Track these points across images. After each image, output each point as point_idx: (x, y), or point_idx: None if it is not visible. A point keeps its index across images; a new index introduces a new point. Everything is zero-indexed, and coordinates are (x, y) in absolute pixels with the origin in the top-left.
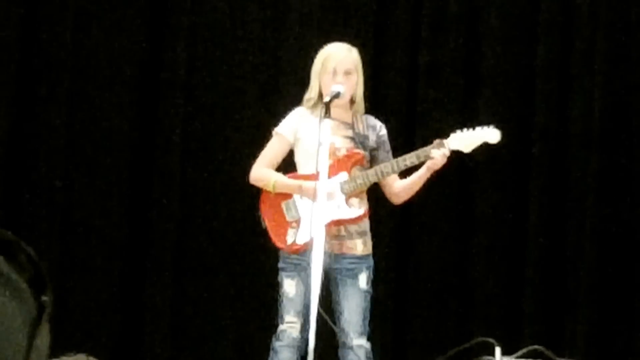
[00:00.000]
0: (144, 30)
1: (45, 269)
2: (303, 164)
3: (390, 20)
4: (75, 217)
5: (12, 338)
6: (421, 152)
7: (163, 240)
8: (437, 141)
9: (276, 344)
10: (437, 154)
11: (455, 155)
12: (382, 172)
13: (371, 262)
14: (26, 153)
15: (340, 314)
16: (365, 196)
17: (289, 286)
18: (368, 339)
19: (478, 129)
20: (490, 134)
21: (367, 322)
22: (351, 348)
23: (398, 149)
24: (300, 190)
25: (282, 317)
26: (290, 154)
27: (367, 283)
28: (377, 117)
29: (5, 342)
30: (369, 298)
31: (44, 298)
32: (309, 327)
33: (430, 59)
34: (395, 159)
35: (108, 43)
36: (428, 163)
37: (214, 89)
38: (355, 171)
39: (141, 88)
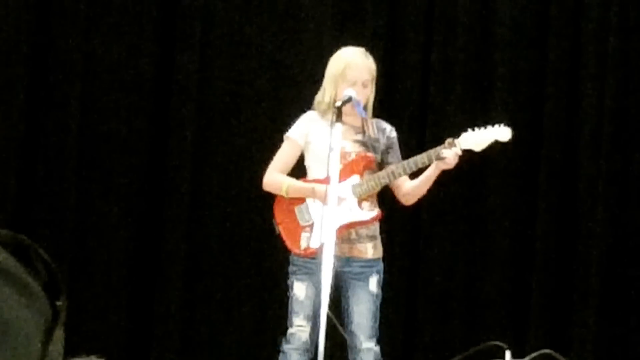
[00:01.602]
0: (155, 36)
1: (60, 274)
2: (313, 168)
3: (402, 22)
4: (85, 221)
5: (27, 344)
6: (432, 152)
7: (173, 244)
8: (448, 140)
9: (285, 347)
10: (449, 154)
11: (467, 155)
12: (393, 174)
13: (381, 265)
14: (38, 157)
15: (350, 317)
16: (376, 199)
17: (299, 289)
18: (377, 343)
19: (489, 127)
20: (501, 132)
21: (376, 326)
22: (361, 351)
23: (409, 151)
24: (313, 194)
25: (291, 320)
26: (300, 158)
27: (377, 287)
28: (389, 118)
29: (20, 349)
30: (378, 302)
31: (59, 303)
32: (318, 331)
33: (441, 60)
34: (407, 160)
35: (120, 48)
36: (438, 163)
37: (225, 93)
38: (367, 174)
39: (153, 92)
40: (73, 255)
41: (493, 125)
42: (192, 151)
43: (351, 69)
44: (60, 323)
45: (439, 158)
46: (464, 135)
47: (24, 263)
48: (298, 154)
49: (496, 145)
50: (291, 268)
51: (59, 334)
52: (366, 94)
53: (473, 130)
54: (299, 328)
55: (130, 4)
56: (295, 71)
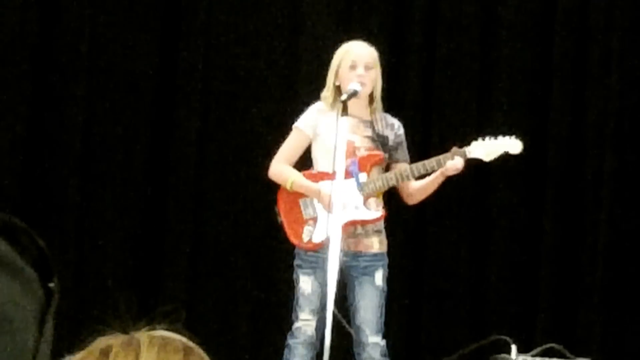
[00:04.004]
0: (159, 33)
1: (51, 255)
2: (320, 161)
3: (407, 18)
4: (89, 217)
5: (23, 331)
6: (442, 158)
7: (178, 239)
8: (456, 149)
9: (291, 342)
10: (454, 164)
11: (475, 163)
12: (402, 177)
13: (386, 260)
14: (43, 153)
15: (356, 311)
16: (382, 197)
17: (305, 283)
18: (383, 337)
19: (500, 138)
20: (512, 145)
21: (382, 320)
22: (367, 346)
23: (415, 149)
24: (318, 196)
25: (297, 314)
26: (307, 148)
27: (383, 281)
28: (395, 115)
29: (17, 336)
30: (384, 296)
31: (51, 285)
32: (324, 325)
33: (446, 59)
34: (416, 164)
35: (123, 45)
36: (442, 169)
37: (229, 89)
38: (375, 172)
39: (157, 88)
40: (76, 252)
41: (503, 134)
42: (195, 147)
43: (350, 53)
44: (54, 306)
45: (446, 166)
46: (474, 143)
47: (14, 245)
48: (306, 145)
49: (506, 157)
50: (297, 262)
51: (50, 315)
52: (371, 78)
53: (483, 139)
54: (304, 322)
55: (134, 3)
56: (300, 70)
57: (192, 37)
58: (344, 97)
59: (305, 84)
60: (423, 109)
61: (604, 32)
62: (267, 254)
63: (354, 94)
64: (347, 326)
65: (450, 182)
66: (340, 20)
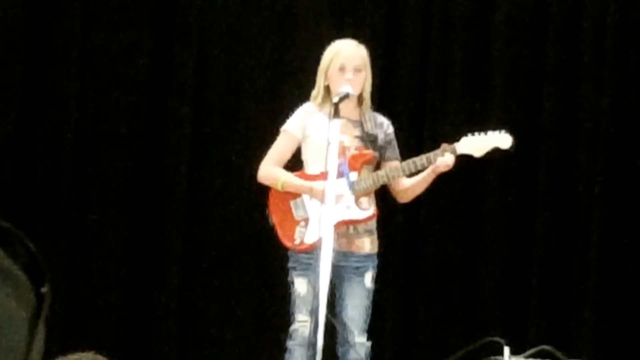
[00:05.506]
0: (153, 33)
1: (42, 260)
2: (311, 162)
3: (400, 20)
4: (84, 218)
5: (15, 334)
6: (432, 155)
7: (172, 241)
8: (446, 145)
9: (289, 344)
10: (446, 160)
11: (466, 159)
12: (392, 175)
13: (376, 260)
14: (35, 154)
15: (344, 311)
16: (373, 195)
17: (300, 285)
18: (368, 338)
19: (490, 133)
20: (502, 140)
21: (368, 321)
22: (353, 345)
23: (408, 150)
24: (310, 192)
25: (294, 316)
26: (297, 150)
27: (372, 282)
28: (387, 115)
29: (8, 339)
30: (371, 297)
31: (44, 290)
32: (316, 326)
33: (439, 59)
34: (406, 161)
35: (117, 45)
36: (433, 166)
37: (223, 90)
38: (365, 171)
39: (151, 89)
40: (71, 252)
41: (493, 130)
42: (190, 148)
43: (340, 55)
44: (45, 310)
45: (437, 163)
46: (463, 139)
47: (6, 250)
48: (295, 147)
49: (496, 152)
50: (291, 264)
51: (42, 320)
52: (360, 80)
53: (473, 135)
54: (301, 323)
55: (128, 1)
56: (294, 69)
57: (186, 36)
58: (335, 99)
59: (301, 83)
60: (417, 108)
61: (596, 30)
62: (261, 257)
63: (345, 97)
64: (340, 329)
65: (443, 183)
66: (335, 19)
